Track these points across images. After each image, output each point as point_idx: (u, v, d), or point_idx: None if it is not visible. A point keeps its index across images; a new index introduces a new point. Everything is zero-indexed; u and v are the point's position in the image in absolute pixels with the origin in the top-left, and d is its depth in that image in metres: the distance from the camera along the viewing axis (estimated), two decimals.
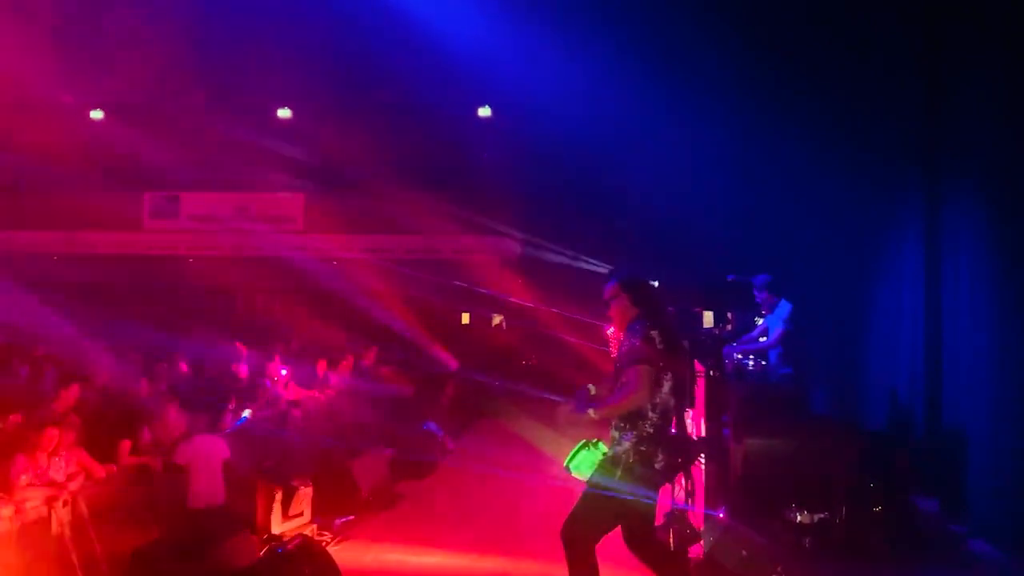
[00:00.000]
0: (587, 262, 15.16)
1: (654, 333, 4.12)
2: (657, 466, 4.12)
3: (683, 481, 6.04)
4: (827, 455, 5.92)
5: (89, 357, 9.76)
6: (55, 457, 5.84)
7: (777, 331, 7.47)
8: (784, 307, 7.62)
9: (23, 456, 5.67)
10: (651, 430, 4.11)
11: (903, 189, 7.79)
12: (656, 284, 7.63)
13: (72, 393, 7.33)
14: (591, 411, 4.13)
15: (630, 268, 4.60)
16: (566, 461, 4.27)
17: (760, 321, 8.25)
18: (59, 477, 5.80)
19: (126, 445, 6.72)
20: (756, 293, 7.89)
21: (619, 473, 4.08)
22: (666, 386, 4.16)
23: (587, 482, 4.21)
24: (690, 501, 6.03)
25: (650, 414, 4.11)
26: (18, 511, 5.27)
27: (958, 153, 6.80)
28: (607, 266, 14.22)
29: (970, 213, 6.52)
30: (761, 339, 7.97)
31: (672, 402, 4.21)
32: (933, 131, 7.22)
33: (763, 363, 7.95)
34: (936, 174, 7.16)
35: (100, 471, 6.06)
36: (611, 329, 5.24)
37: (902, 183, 7.82)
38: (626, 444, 4.11)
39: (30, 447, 5.75)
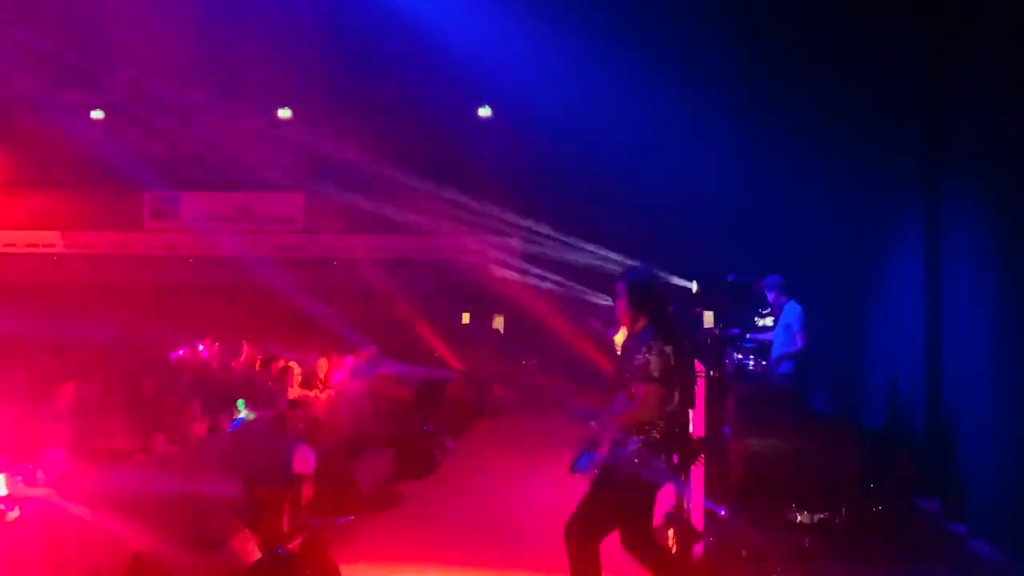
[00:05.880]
0: (588, 262, 15.15)
1: (668, 349, 4.11)
2: (661, 468, 4.13)
3: (683, 481, 6.03)
4: (827, 455, 5.92)
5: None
6: (52, 456, 5.83)
7: (801, 336, 7.50)
8: (794, 308, 7.63)
9: (16, 455, 5.66)
10: (657, 436, 4.11)
11: (903, 189, 7.79)
12: (694, 286, 7.61)
13: (68, 391, 7.29)
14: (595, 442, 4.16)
15: (643, 271, 4.51)
16: (571, 463, 4.27)
17: (762, 322, 8.26)
18: (56, 477, 5.78)
19: (159, 438, 6.73)
20: (768, 294, 7.89)
21: (623, 475, 4.09)
22: (676, 396, 4.19)
23: (590, 483, 4.21)
24: (690, 501, 6.03)
25: (659, 422, 4.12)
26: (14, 510, 5.24)
27: (959, 153, 6.80)
28: (607, 265, 14.23)
29: (971, 213, 6.52)
30: (766, 334, 8.01)
31: (680, 409, 4.23)
32: (934, 130, 7.22)
33: (763, 363, 7.96)
34: (936, 174, 7.16)
35: (93, 471, 6.04)
36: (616, 333, 5.23)
37: (902, 183, 7.82)
38: (631, 448, 4.11)
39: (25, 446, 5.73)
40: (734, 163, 10.71)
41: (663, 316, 4.30)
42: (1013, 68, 5.87)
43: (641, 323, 4.29)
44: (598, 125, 12.01)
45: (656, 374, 4.07)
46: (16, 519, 5.16)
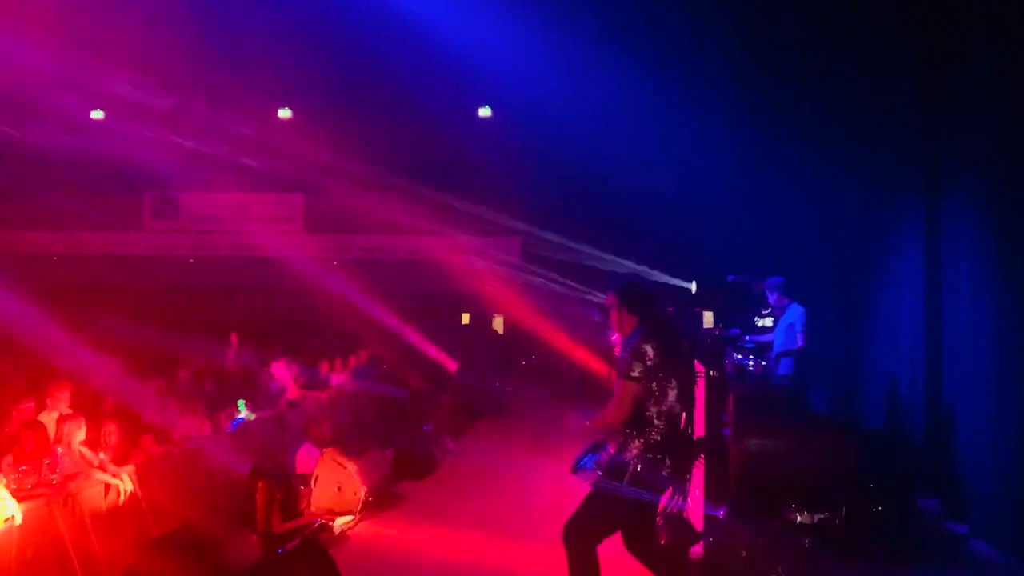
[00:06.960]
0: (588, 262, 15.15)
1: (647, 347, 4.12)
2: (664, 472, 4.13)
3: (686, 482, 6.03)
4: (827, 455, 5.91)
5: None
6: (52, 457, 5.82)
7: (803, 337, 7.53)
8: (796, 310, 7.64)
9: (11, 456, 5.65)
10: (658, 437, 4.11)
11: (904, 189, 7.79)
12: (693, 286, 7.66)
13: (27, 409, 7.17)
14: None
15: (627, 277, 4.58)
16: (573, 464, 4.27)
17: (762, 323, 8.27)
18: (57, 477, 5.78)
19: (147, 439, 6.76)
20: (769, 295, 7.90)
21: (626, 479, 4.08)
22: (671, 394, 4.16)
23: (592, 485, 4.21)
24: (690, 501, 6.02)
25: (656, 421, 4.12)
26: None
27: (958, 153, 6.80)
28: (607, 266, 14.24)
29: (971, 213, 6.51)
30: (766, 335, 8.03)
31: (678, 408, 4.22)
32: (933, 131, 7.22)
33: (763, 363, 7.97)
34: (936, 174, 7.15)
35: (94, 472, 6.04)
36: (615, 335, 5.27)
37: (902, 183, 7.82)
38: (633, 451, 4.11)
39: (21, 447, 5.73)
40: (735, 163, 10.72)
41: (653, 317, 4.32)
42: (1013, 69, 5.87)
43: (632, 325, 4.31)
44: (599, 126, 12.02)
45: (632, 372, 4.09)
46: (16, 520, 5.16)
